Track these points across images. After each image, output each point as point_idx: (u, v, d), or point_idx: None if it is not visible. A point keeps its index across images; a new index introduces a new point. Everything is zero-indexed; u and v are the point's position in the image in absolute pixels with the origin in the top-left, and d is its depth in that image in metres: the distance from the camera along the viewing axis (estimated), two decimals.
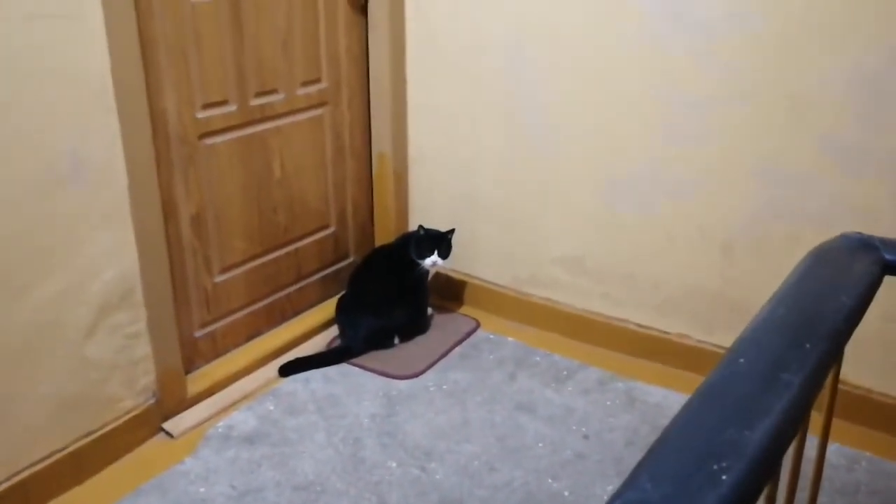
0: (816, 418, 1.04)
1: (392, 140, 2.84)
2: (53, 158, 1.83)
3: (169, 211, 2.21)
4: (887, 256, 0.75)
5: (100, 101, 1.90)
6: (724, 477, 0.42)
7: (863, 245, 0.73)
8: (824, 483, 2.00)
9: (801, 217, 2.20)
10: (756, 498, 0.46)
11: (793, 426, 0.49)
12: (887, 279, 0.73)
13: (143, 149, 2.02)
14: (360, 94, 2.80)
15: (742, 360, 0.55)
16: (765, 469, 0.45)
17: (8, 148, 1.74)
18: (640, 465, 0.45)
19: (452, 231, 2.70)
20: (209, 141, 2.29)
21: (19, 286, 1.82)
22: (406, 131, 2.88)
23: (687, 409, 0.50)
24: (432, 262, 2.64)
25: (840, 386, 2.06)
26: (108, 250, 1.99)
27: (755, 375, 0.53)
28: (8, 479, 1.87)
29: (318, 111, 2.65)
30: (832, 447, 2.14)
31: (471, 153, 2.77)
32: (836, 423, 2.16)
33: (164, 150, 2.16)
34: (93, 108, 1.89)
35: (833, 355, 0.58)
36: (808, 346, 0.56)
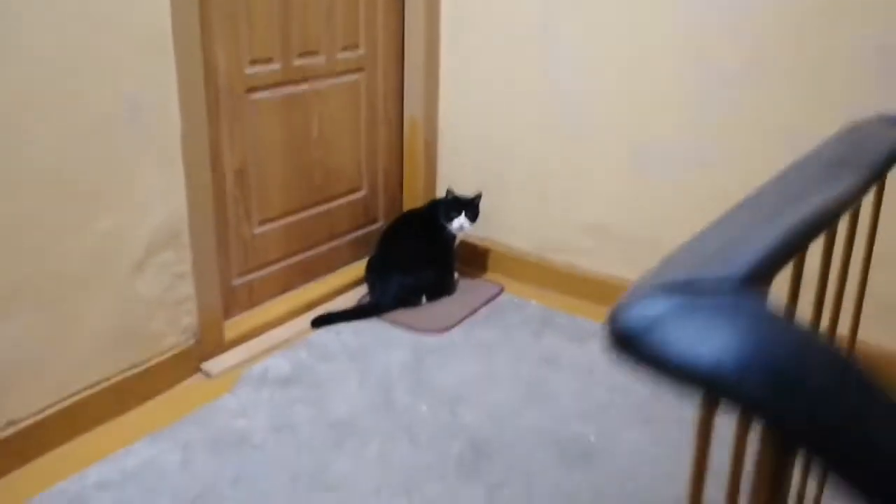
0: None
1: (423, 109, 2.93)
2: (115, 100, 1.93)
3: (215, 160, 2.30)
4: None
5: (159, 49, 1.99)
6: (736, 258, 0.47)
7: (893, 119, 0.82)
8: None
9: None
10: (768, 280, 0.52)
11: (820, 226, 0.56)
12: None
13: (196, 97, 2.12)
14: (394, 63, 2.89)
15: (779, 181, 0.62)
16: (781, 257, 0.50)
17: (76, 88, 1.84)
18: (647, 275, 0.46)
19: (480, 196, 2.79)
20: (254, 96, 2.39)
21: (79, 218, 1.91)
22: (437, 101, 2.97)
23: (706, 227, 0.55)
24: (459, 224, 2.73)
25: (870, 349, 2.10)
26: (159, 191, 2.08)
27: (790, 192, 0.61)
28: (57, 402, 1.96)
29: (355, 76, 2.74)
30: None
31: (499, 123, 2.86)
32: None
33: (213, 102, 2.26)
34: (152, 55, 1.98)
35: (869, 183, 0.66)
36: (846, 170, 0.64)
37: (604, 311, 2.15)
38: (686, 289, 0.40)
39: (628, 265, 2.72)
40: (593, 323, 2.67)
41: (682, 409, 2.21)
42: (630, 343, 0.39)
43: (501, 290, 2.89)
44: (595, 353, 2.50)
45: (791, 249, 0.48)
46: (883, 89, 2.14)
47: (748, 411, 0.37)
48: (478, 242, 3.04)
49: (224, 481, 1.89)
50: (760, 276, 0.42)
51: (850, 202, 0.61)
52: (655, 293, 0.40)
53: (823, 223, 0.55)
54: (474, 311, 2.74)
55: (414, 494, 1.87)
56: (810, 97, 2.26)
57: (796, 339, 0.37)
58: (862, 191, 0.64)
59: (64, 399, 1.97)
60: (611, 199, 2.70)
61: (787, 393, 0.34)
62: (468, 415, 2.18)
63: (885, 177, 0.71)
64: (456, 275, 2.92)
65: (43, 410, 1.93)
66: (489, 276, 3.02)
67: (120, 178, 1.98)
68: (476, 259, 3.06)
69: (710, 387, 0.36)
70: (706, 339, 0.37)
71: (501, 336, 2.59)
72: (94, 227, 1.95)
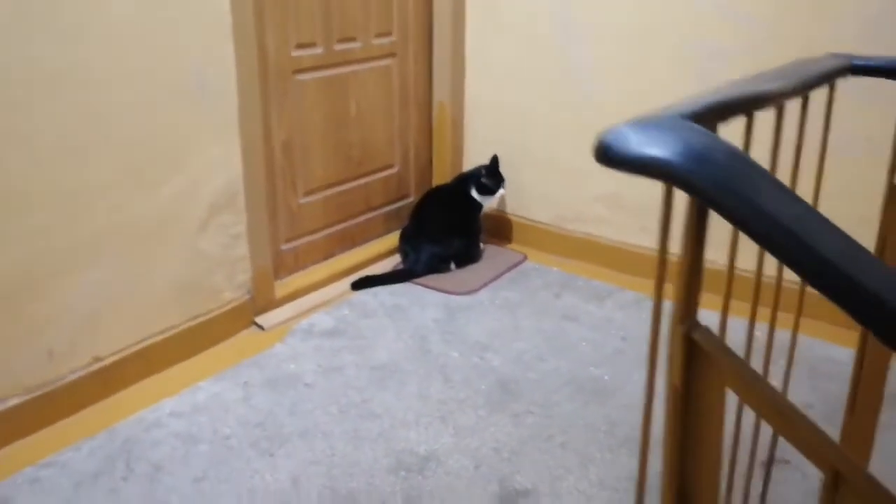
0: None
1: (451, 91, 3.18)
2: (184, 75, 2.19)
3: (265, 134, 2.56)
4: (854, 62, 1.06)
5: (221, 32, 2.26)
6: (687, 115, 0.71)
7: (839, 55, 1.04)
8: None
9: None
10: (713, 126, 0.76)
11: (748, 104, 0.80)
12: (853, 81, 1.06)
13: (250, 76, 2.38)
14: (424, 49, 3.14)
15: (732, 82, 0.86)
16: (716, 113, 0.74)
17: (153, 62, 2.11)
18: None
19: (497, 158, 3.06)
20: (300, 77, 2.65)
21: (153, 180, 2.18)
22: (463, 84, 3.22)
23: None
24: (501, 193, 3.04)
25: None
26: (220, 158, 2.34)
27: (738, 84, 0.85)
28: (134, 344, 2.23)
29: (388, 61, 3.00)
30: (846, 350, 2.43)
31: (521, 104, 3.11)
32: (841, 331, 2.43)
33: (264, 81, 2.52)
34: (216, 37, 2.25)
35: (797, 90, 0.90)
36: (781, 79, 0.88)
37: (619, 276, 2.48)
38: (643, 119, 0.64)
39: (640, 232, 2.95)
40: (609, 285, 2.90)
41: None
42: (605, 150, 0.63)
43: (524, 259, 3.13)
44: (610, 309, 2.73)
45: (723, 112, 0.72)
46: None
47: (676, 183, 0.60)
48: (502, 215, 3.29)
49: (282, 411, 2.14)
50: (699, 119, 0.65)
51: (778, 97, 0.85)
52: (624, 124, 0.64)
53: (751, 103, 0.79)
54: (499, 276, 2.98)
55: (449, 422, 2.11)
56: None
57: (709, 138, 0.60)
58: (789, 93, 0.88)
59: (140, 342, 2.24)
60: None
61: (700, 165, 0.58)
62: (495, 360, 2.42)
63: (811, 88, 0.95)
64: (482, 244, 3.17)
65: (122, 350, 2.20)
66: (513, 246, 3.26)
67: (187, 145, 2.25)
68: (500, 231, 3.30)
69: (653, 169, 0.60)
70: (653, 142, 0.61)
71: (525, 297, 2.83)
72: (166, 188, 2.22)
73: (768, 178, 0.59)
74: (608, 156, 0.62)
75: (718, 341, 0.65)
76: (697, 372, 0.65)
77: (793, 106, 1.06)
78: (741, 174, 0.58)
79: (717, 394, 0.64)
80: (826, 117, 1.10)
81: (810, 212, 0.59)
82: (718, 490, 0.70)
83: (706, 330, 0.67)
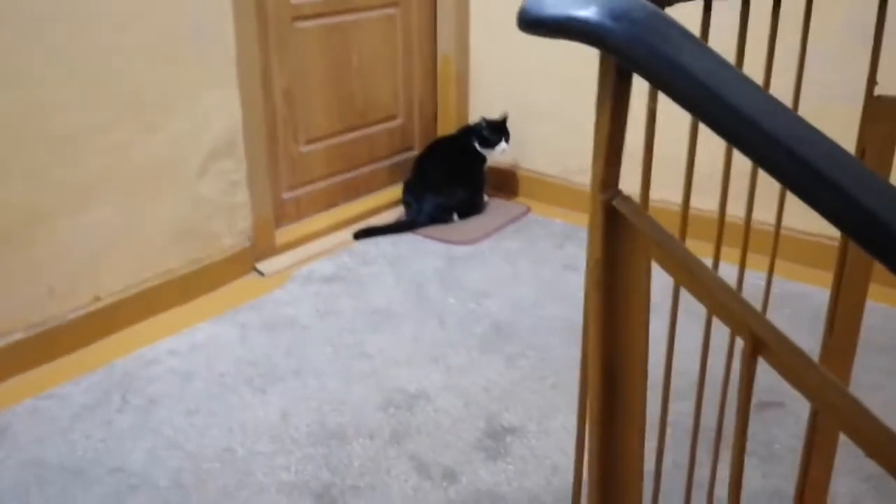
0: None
1: (455, 44, 3.15)
2: (180, 18, 2.20)
3: (265, 82, 2.56)
4: None
5: None
6: None
7: None
8: None
9: (827, 96, 2.44)
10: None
11: None
12: None
13: (248, 22, 2.38)
14: (427, 1, 3.12)
15: None
16: None
17: (148, 4, 2.11)
18: None
19: (507, 116, 3.03)
20: (300, 25, 2.64)
21: (152, 123, 2.20)
22: (468, 36, 3.19)
23: None
24: (502, 149, 2.99)
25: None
26: (218, 104, 2.35)
27: None
28: (134, 285, 2.27)
29: (391, 10, 2.98)
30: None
31: (526, 56, 3.07)
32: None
33: (263, 28, 2.52)
34: None
35: None
36: None
37: None
38: None
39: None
40: None
41: (688, 304, 2.42)
42: (524, 14, 0.62)
43: (528, 210, 3.12)
44: None
45: None
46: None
47: (593, 42, 0.60)
48: (506, 167, 3.27)
49: (277, 352, 2.17)
50: None
51: None
52: None
53: None
54: (502, 227, 2.97)
55: (441, 362, 2.13)
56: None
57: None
58: None
59: (140, 283, 2.28)
60: (630, 120, 2.89)
61: (618, 23, 0.57)
62: (492, 305, 2.42)
63: None
64: (486, 196, 3.16)
65: (122, 291, 2.24)
66: (517, 199, 3.25)
67: (185, 90, 2.26)
68: (505, 183, 3.29)
69: (569, 29, 0.59)
70: (570, 3, 0.60)
71: (526, 247, 2.83)
72: (164, 132, 2.23)
73: (691, 37, 0.58)
74: (526, 19, 0.62)
75: (639, 209, 0.65)
76: (619, 243, 0.64)
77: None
78: (661, 32, 0.58)
79: (640, 265, 0.64)
80: (805, 15, 1.08)
81: (742, 76, 0.58)
82: (646, 373, 0.70)
83: (627, 198, 0.67)
